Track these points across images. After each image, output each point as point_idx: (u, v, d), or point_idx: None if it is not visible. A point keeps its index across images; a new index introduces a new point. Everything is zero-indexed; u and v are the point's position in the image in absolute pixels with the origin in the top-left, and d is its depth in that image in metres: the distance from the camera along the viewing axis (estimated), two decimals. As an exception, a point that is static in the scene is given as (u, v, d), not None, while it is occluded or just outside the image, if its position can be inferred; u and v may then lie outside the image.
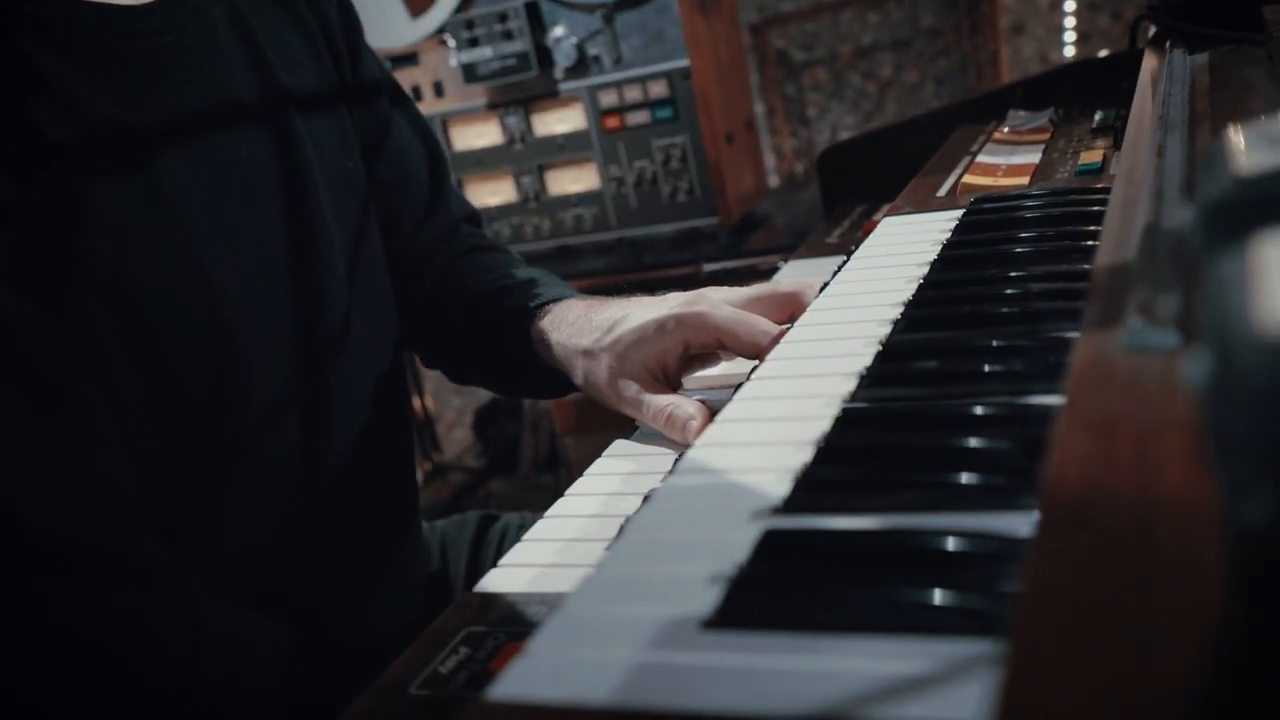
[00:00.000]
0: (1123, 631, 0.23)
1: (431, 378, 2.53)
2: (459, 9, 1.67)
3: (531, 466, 1.83)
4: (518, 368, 0.88)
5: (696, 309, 0.74)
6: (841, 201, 1.36)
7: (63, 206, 0.61)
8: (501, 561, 0.61)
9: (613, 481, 0.69)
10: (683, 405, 0.72)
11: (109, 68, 0.65)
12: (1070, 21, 2.79)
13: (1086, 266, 0.57)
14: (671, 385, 0.77)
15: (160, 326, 0.65)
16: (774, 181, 3.10)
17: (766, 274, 1.40)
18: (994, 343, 0.54)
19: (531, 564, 0.60)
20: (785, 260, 1.16)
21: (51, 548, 0.57)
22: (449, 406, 3.01)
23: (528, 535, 0.64)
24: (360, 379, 0.81)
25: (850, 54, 3.11)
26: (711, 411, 0.67)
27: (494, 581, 0.59)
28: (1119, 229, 0.50)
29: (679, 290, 0.79)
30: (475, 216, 1.03)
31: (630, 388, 0.76)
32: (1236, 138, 0.34)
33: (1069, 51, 2.85)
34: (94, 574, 0.59)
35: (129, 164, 0.65)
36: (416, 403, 2.09)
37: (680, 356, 0.76)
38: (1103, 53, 1.45)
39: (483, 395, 2.30)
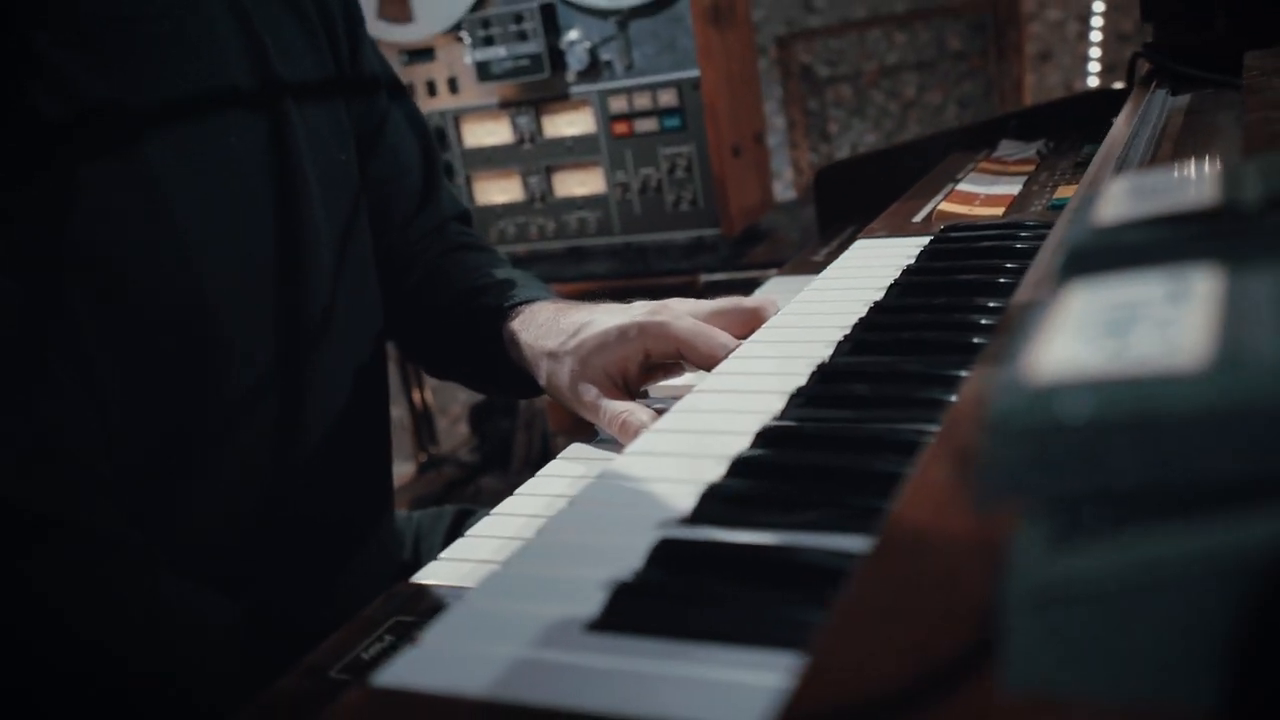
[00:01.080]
0: (901, 659, 0.24)
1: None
2: (475, 8, 1.69)
3: (523, 464, 1.85)
4: (489, 365, 0.90)
5: (659, 318, 0.75)
6: (837, 220, 1.36)
7: (52, 186, 0.62)
8: (441, 555, 0.63)
9: (560, 484, 0.70)
10: (637, 413, 0.73)
11: (104, 51, 0.67)
12: (1095, 52, 2.79)
13: (1024, 301, 0.58)
14: (631, 393, 0.78)
15: (140, 309, 0.66)
16: (791, 194, 3.11)
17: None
18: (924, 370, 0.55)
19: (469, 559, 0.62)
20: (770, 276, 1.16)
21: (18, 518, 0.59)
22: (455, 400, 3.03)
23: (471, 531, 0.65)
24: (340, 369, 0.83)
25: (875, 72, 3.12)
26: None
27: (430, 573, 0.61)
28: (1045, 266, 0.51)
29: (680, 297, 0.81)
30: (466, 215, 1.05)
31: (590, 392, 0.77)
32: (1114, 186, 0.35)
33: (1093, 82, 2.85)
34: (59, 546, 0.61)
35: (118, 146, 0.66)
36: (416, 396, 2.11)
37: (640, 364, 0.77)
38: (1117, 85, 1.46)
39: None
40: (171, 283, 0.67)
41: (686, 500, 0.48)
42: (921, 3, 3.04)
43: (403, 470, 2.23)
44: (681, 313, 0.76)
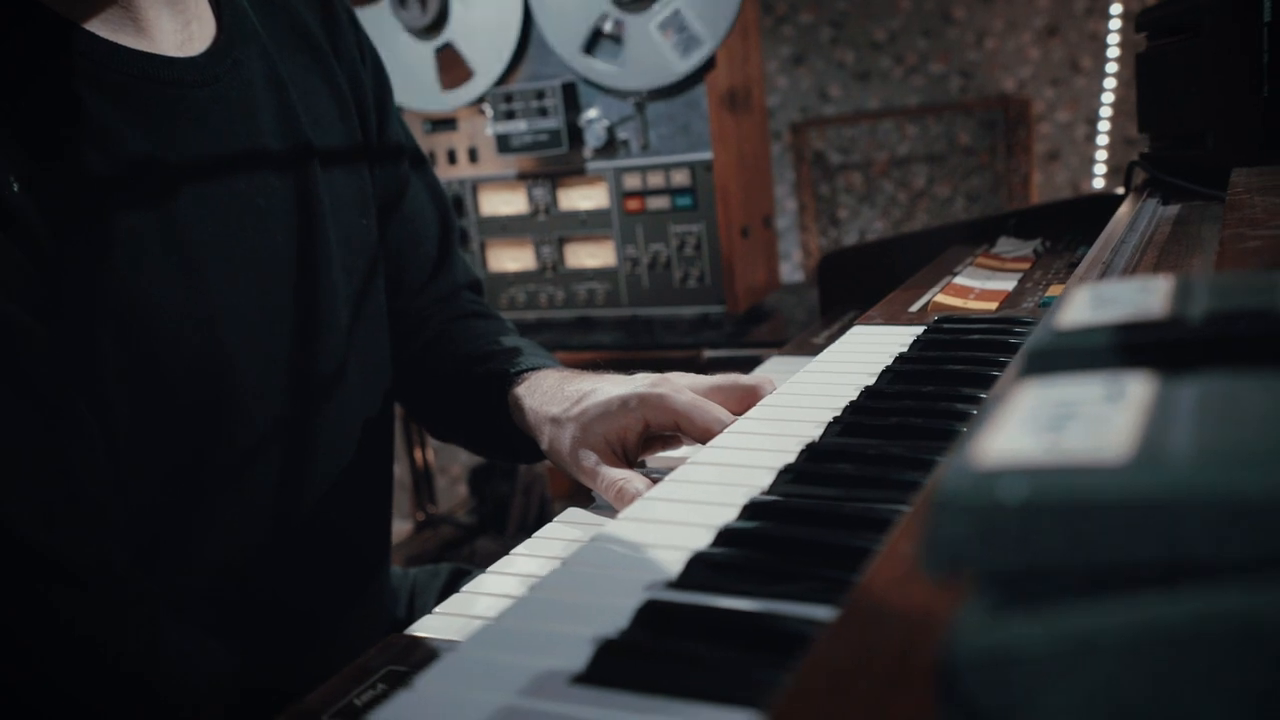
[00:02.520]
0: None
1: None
2: (499, 82, 1.75)
3: (519, 528, 1.87)
4: (492, 429, 0.93)
5: (659, 390, 0.78)
6: (839, 304, 1.40)
7: (89, 234, 0.66)
8: (436, 609, 0.65)
9: (556, 546, 0.72)
10: (633, 481, 0.75)
11: (149, 112, 0.71)
12: (1102, 155, 2.85)
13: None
14: (629, 461, 0.81)
15: (160, 356, 0.69)
16: (799, 276, 3.16)
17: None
18: (906, 454, 0.58)
19: (463, 614, 0.64)
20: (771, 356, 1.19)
21: (30, 553, 0.61)
22: (456, 461, 3.05)
23: (466, 588, 0.67)
24: (348, 425, 0.85)
25: (885, 162, 3.18)
26: None
27: (425, 626, 0.63)
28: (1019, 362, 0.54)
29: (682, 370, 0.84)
30: (477, 284, 1.08)
31: (589, 458, 0.80)
32: (1079, 293, 0.38)
33: (1099, 183, 2.91)
34: (65, 583, 0.63)
35: (153, 200, 0.69)
36: (418, 455, 2.14)
37: (640, 434, 0.80)
38: (1120, 190, 1.50)
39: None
40: (192, 333, 0.70)
41: (674, 566, 0.50)
42: (934, 98, 3.12)
43: (400, 528, 2.25)
44: (681, 386, 0.79)
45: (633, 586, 0.49)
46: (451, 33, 1.76)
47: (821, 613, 0.44)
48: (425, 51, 1.78)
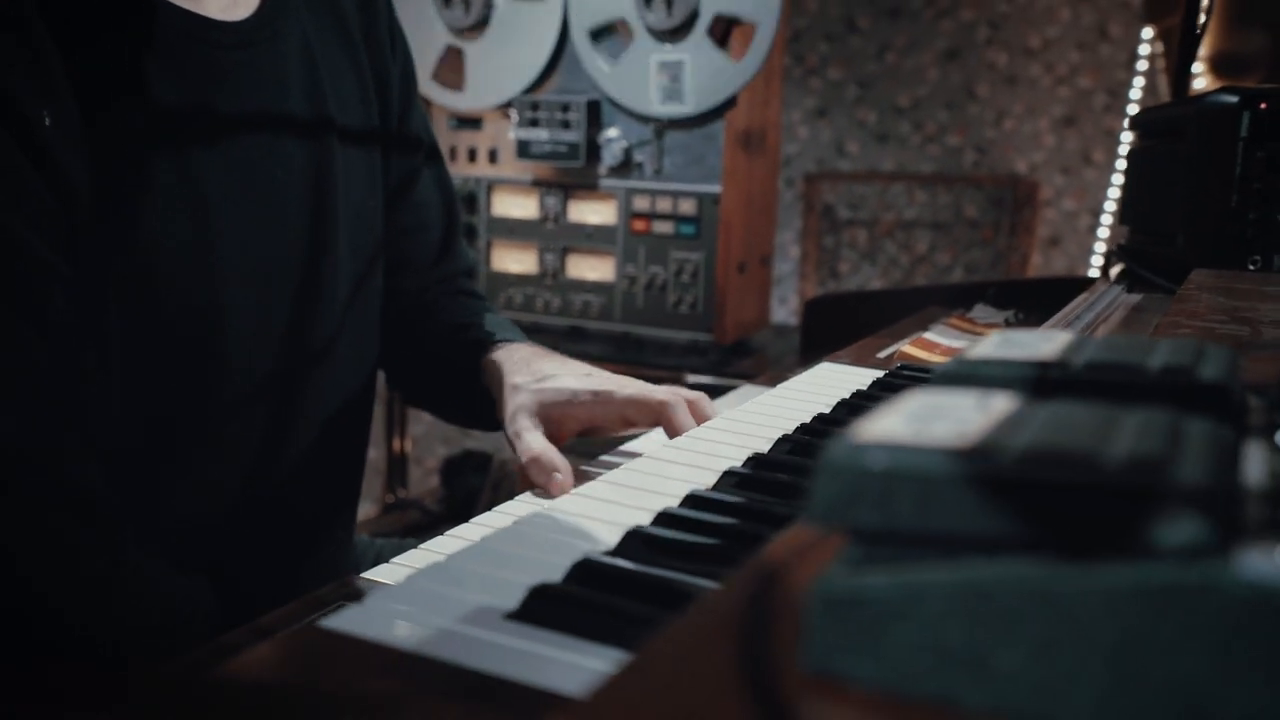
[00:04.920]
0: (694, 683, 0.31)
1: (417, 422, 2.64)
2: (528, 90, 1.81)
3: (483, 522, 1.91)
4: (463, 390, 0.97)
5: (607, 388, 0.83)
6: (820, 347, 1.46)
7: (113, 177, 0.69)
8: (393, 559, 0.70)
9: (510, 520, 0.77)
10: (553, 456, 0.78)
11: (185, 69, 0.75)
12: (1101, 246, 2.93)
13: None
14: (557, 444, 0.85)
15: (162, 303, 0.72)
16: (792, 320, 3.23)
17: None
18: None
19: (418, 567, 0.69)
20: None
21: (11, 464, 0.64)
22: (432, 454, 3.10)
23: (424, 545, 0.72)
24: (331, 395, 0.89)
25: (892, 223, 3.26)
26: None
27: (381, 573, 0.68)
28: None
29: None
30: (472, 269, 1.13)
31: (525, 423, 0.84)
32: (994, 335, 0.44)
33: (1095, 274, 2.98)
34: (37, 494, 0.65)
35: (176, 152, 0.73)
36: (396, 443, 2.19)
37: (578, 429, 0.85)
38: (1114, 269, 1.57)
39: (455, 445, 2.39)
40: (195, 287, 0.74)
41: (614, 537, 0.56)
42: (947, 168, 3.20)
43: (369, 508, 2.29)
44: (625, 381, 0.85)
45: (573, 549, 0.54)
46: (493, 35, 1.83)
47: (735, 590, 0.49)
48: (466, 50, 1.85)
